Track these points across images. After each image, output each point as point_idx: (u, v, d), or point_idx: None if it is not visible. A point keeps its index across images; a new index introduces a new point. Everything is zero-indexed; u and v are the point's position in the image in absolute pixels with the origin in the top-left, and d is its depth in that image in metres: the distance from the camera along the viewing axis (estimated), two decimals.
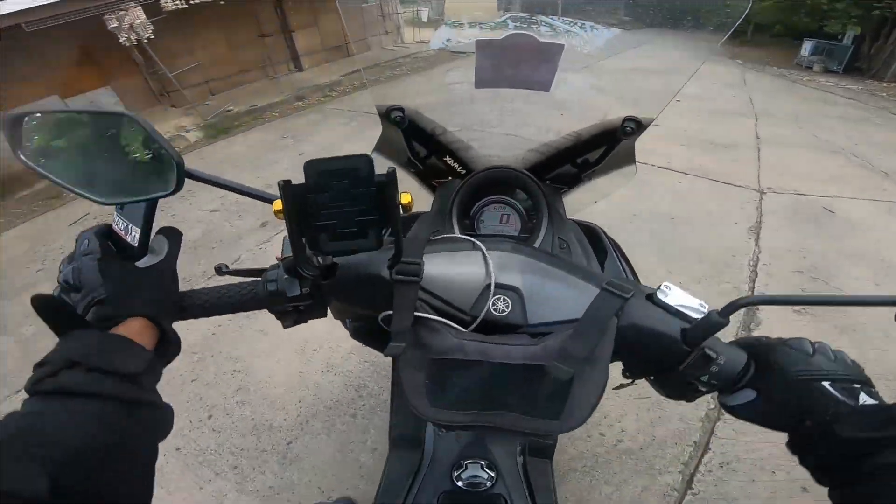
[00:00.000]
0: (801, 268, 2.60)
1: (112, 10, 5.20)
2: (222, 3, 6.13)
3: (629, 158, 0.75)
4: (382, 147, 0.79)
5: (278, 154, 4.40)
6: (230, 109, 6.12)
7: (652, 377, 0.52)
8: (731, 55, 11.61)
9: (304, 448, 1.71)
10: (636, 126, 0.68)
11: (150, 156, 0.41)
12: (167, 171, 0.40)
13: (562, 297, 0.49)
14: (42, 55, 5.72)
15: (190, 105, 6.17)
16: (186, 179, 0.42)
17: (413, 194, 0.44)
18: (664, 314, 0.46)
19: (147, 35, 5.57)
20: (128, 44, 5.54)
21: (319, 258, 0.47)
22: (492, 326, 0.48)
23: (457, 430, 0.55)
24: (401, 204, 0.40)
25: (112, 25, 5.22)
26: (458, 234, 0.66)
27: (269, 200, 0.48)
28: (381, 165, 0.41)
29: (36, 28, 4.87)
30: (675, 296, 0.46)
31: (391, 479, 0.99)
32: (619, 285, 0.46)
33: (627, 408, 1.77)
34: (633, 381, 0.55)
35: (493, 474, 0.72)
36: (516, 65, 0.66)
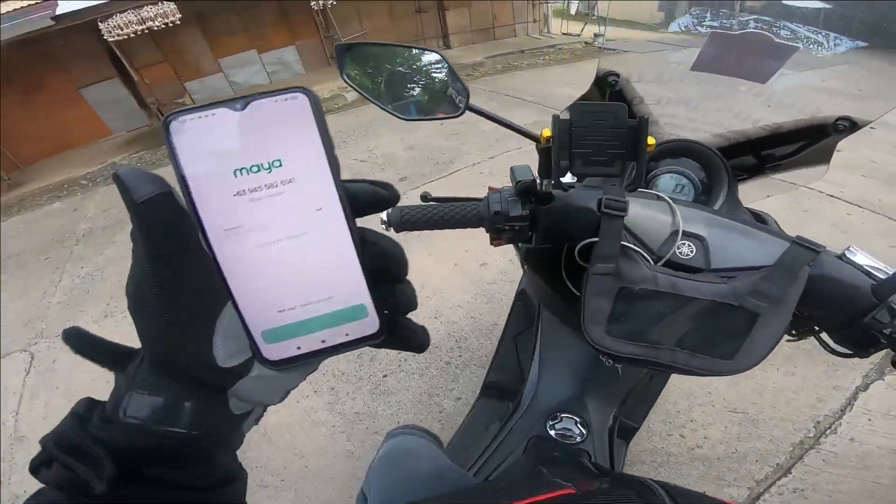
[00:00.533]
0: None
1: None
2: None
3: (825, 157, 0.76)
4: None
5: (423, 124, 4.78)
6: None
7: (824, 332, 0.54)
8: None
9: (397, 383, 1.88)
10: (850, 125, 0.69)
11: (444, 86, 0.58)
12: (454, 100, 0.57)
13: (747, 247, 0.52)
14: (248, 12, 6.85)
15: None
16: (468, 110, 0.57)
17: None
18: (853, 269, 0.49)
19: (332, 2, 6.29)
20: (316, 7, 6.34)
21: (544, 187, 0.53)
22: (676, 267, 0.52)
23: (624, 362, 0.62)
24: (648, 145, 0.47)
25: None
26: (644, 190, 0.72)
27: (535, 137, 0.58)
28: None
29: None
30: (862, 256, 0.50)
31: (475, 422, 1.07)
32: (809, 241, 0.50)
33: (718, 417, 1.72)
34: (798, 338, 0.57)
35: (584, 431, 0.76)
36: (743, 56, 0.71)
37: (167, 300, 0.22)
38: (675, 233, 0.52)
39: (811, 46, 0.67)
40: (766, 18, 0.72)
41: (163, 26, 5.92)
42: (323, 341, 0.25)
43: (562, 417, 0.77)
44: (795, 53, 0.67)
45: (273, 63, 7.57)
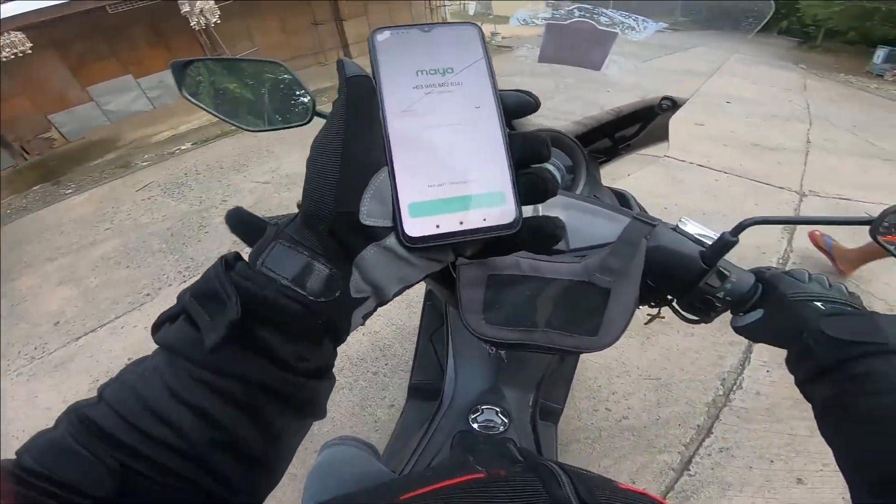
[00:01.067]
0: (829, 270, 2.57)
1: None
2: None
3: (664, 134, 0.84)
4: None
5: None
6: None
7: (675, 301, 0.59)
8: (795, 60, 10.93)
9: (328, 401, 1.87)
10: (672, 104, 0.77)
11: (289, 95, 0.57)
12: (302, 107, 0.56)
13: (598, 226, 0.56)
14: (121, 36, 6.24)
15: None
16: (316, 117, 0.56)
17: None
18: (685, 239, 0.54)
19: (214, 20, 5.97)
20: (197, 27, 5.94)
21: None
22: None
23: (505, 348, 0.63)
24: None
25: (185, 10, 5.64)
26: None
27: None
28: None
29: (118, 10, 5.36)
30: (693, 226, 0.56)
31: (406, 425, 1.06)
32: (647, 216, 0.56)
33: (636, 387, 1.84)
34: (659, 312, 0.62)
35: (506, 420, 0.77)
36: (575, 46, 0.77)
37: (344, 152, 0.26)
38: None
39: (626, 31, 0.76)
40: (587, 6, 0.79)
41: (12, 56, 5.20)
42: (461, 223, 0.26)
43: (482, 409, 0.79)
44: (616, 38, 0.74)
45: (154, 87, 6.97)
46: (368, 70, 0.28)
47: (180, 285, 2.61)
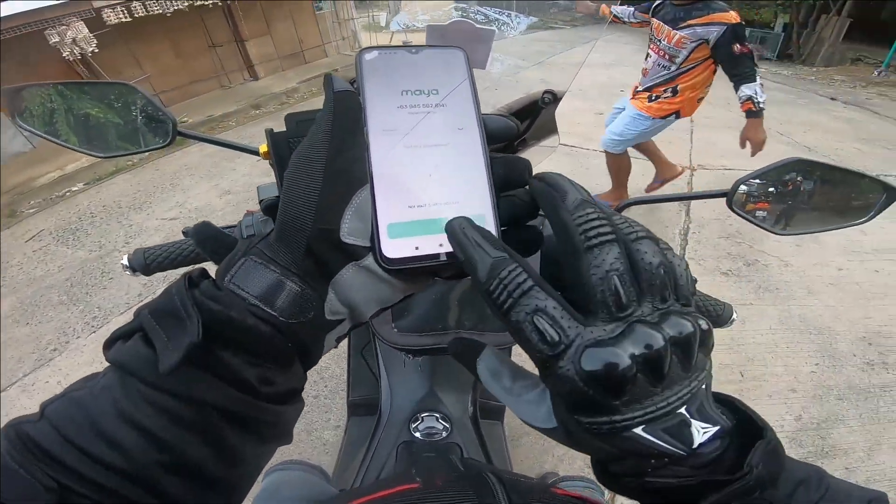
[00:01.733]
0: (727, 234, 2.89)
1: (52, 26, 5.07)
2: (168, 15, 6.06)
3: (553, 127, 0.86)
4: None
5: (235, 162, 4.40)
6: (185, 120, 6.01)
7: None
8: None
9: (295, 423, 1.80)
10: (553, 97, 0.79)
11: (145, 116, 0.53)
12: (161, 128, 0.53)
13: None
14: None
15: None
16: (179, 136, 0.53)
17: None
18: None
19: (91, 49, 5.44)
20: (71, 58, 5.38)
21: None
22: None
23: (421, 355, 0.62)
24: None
25: (54, 41, 5.09)
26: None
27: (255, 151, 0.57)
28: None
29: None
30: None
31: (351, 441, 1.04)
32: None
33: None
34: None
35: (447, 425, 0.77)
36: (460, 44, 0.78)
37: (326, 168, 0.25)
38: None
39: (502, 27, 0.80)
40: (463, 5, 0.82)
41: None
42: (441, 245, 0.26)
43: (422, 417, 0.78)
44: (494, 35, 0.76)
45: None
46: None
47: (89, 336, 2.42)
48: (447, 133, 0.27)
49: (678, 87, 2.50)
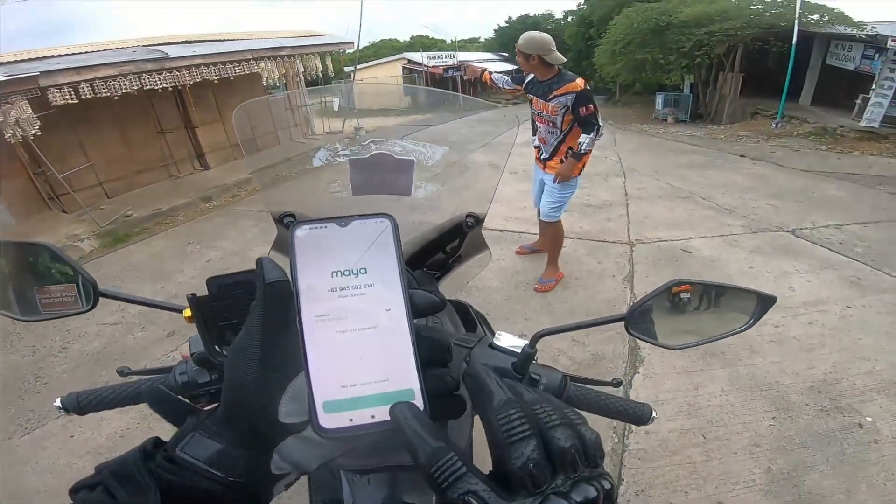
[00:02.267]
0: None
1: None
2: (116, 99, 5.84)
3: (482, 246, 0.90)
4: (279, 246, 0.89)
5: (183, 262, 4.27)
6: (129, 214, 5.75)
7: None
8: (605, 117, 13.18)
9: None
10: (475, 220, 0.84)
11: (65, 278, 0.51)
12: (82, 291, 0.51)
13: None
14: None
15: (83, 210, 5.69)
16: (102, 297, 0.54)
17: None
18: (500, 354, 0.60)
19: (34, 131, 5.03)
20: (13, 140, 4.98)
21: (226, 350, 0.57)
22: None
23: (368, 473, 0.63)
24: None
25: None
26: None
27: (179, 310, 0.59)
28: (283, 264, 0.57)
29: None
30: (506, 339, 0.61)
31: None
32: (465, 339, 0.61)
33: None
34: None
35: None
36: (382, 176, 0.83)
37: (262, 358, 0.28)
38: None
39: (420, 157, 0.85)
40: (381, 139, 0.86)
41: None
42: (372, 417, 0.28)
43: None
44: (414, 164, 0.82)
45: None
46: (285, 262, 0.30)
47: (22, 437, 2.26)
48: (376, 315, 0.29)
49: (572, 148, 2.85)
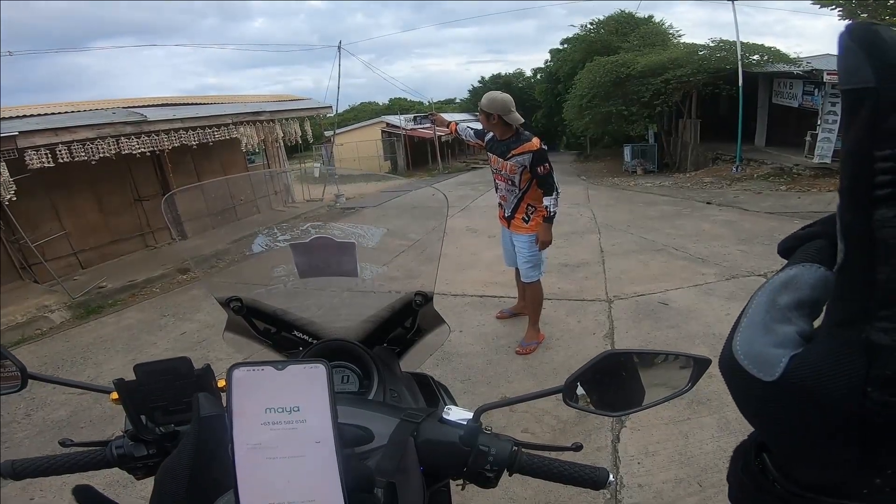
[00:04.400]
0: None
1: None
2: (93, 163, 5.72)
3: (438, 321, 0.91)
4: (232, 327, 0.91)
5: (156, 335, 4.15)
6: (103, 286, 5.61)
7: (465, 473, 0.63)
8: (578, 172, 13.66)
9: None
10: (424, 298, 0.85)
11: None
12: (9, 374, 0.55)
13: (376, 429, 0.59)
14: None
15: (55, 280, 5.51)
16: (31, 380, 0.58)
17: None
18: (448, 428, 0.61)
19: (9, 196, 4.83)
20: None
21: (161, 428, 0.60)
22: None
23: None
24: (218, 387, 0.58)
25: None
26: None
27: (107, 391, 0.61)
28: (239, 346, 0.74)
29: None
30: (456, 413, 0.62)
31: None
32: (413, 414, 0.61)
33: None
34: (463, 486, 0.66)
35: None
36: (326, 259, 0.85)
37: (190, 478, 0.32)
38: None
39: (359, 239, 0.85)
40: (319, 223, 0.88)
41: None
42: None
43: None
44: (354, 247, 0.83)
45: None
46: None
47: None
48: (305, 445, 0.31)
49: (532, 205, 2.92)
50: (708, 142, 12.27)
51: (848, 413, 0.17)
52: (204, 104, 8.28)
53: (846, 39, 0.18)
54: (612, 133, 15.03)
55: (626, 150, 13.78)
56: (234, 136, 7.70)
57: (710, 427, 2.39)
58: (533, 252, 3.02)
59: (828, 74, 8.60)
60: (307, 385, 0.33)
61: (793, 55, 10.77)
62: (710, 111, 12.99)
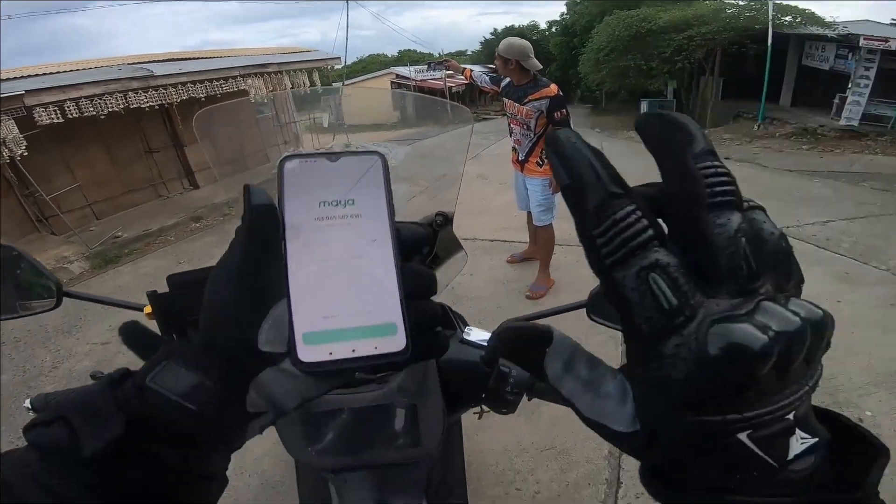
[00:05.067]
0: None
1: None
2: (102, 118, 5.80)
3: (456, 245, 0.88)
4: None
5: None
6: (118, 235, 5.69)
7: (483, 399, 0.63)
8: (591, 125, 13.34)
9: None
10: (444, 219, 0.82)
11: (30, 279, 0.52)
12: (46, 291, 0.52)
13: None
14: None
15: (72, 232, 5.64)
16: (65, 298, 0.56)
17: None
18: (469, 348, 0.61)
19: (20, 152, 4.99)
20: (0, 161, 4.98)
21: None
22: (356, 382, 0.58)
23: (340, 472, 0.63)
24: None
25: None
26: None
27: (139, 308, 0.60)
28: None
29: None
30: (476, 334, 0.62)
31: None
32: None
33: (537, 460, 1.93)
34: (481, 411, 0.67)
35: None
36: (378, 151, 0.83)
37: (242, 281, 0.26)
38: None
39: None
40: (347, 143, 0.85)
41: None
42: (353, 350, 0.27)
43: None
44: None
45: None
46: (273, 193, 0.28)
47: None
48: (361, 245, 0.28)
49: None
50: (730, 100, 11.90)
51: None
52: (210, 58, 8.22)
53: (548, 151, 0.22)
54: (629, 87, 14.63)
55: (643, 104, 13.41)
56: (241, 88, 7.64)
57: None
58: (546, 195, 3.03)
59: (864, 39, 8.50)
60: (363, 177, 0.30)
61: (829, 19, 10.33)
62: (734, 70, 12.44)
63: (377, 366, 0.28)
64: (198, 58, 8.19)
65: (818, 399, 0.20)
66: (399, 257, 0.29)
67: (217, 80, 7.21)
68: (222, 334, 0.27)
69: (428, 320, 0.29)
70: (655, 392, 0.19)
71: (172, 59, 7.78)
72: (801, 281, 0.21)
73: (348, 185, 0.29)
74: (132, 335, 0.32)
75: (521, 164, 3.09)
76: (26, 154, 5.09)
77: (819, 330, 0.18)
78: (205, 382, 0.26)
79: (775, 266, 0.19)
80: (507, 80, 2.94)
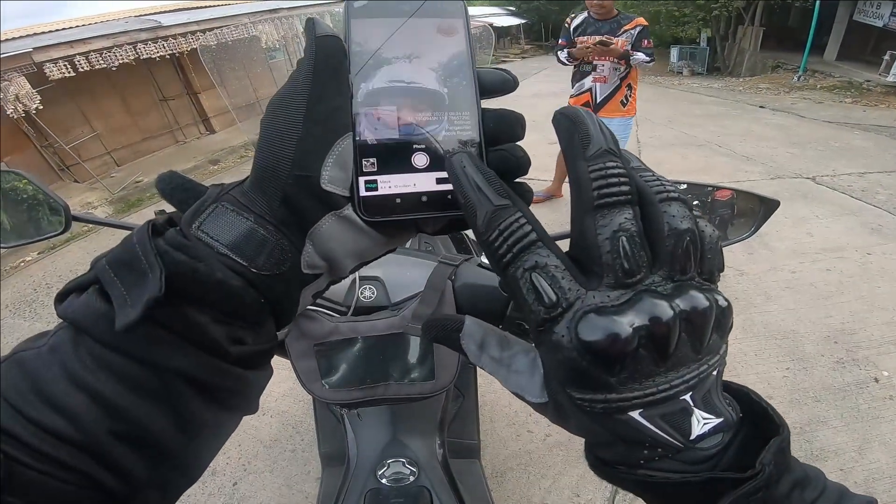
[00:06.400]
0: None
1: None
2: (114, 69, 5.80)
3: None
4: None
5: None
6: (140, 180, 5.79)
7: (501, 328, 0.62)
8: None
9: (250, 487, 1.75)
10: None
11: (38, 204, 0.52)
12: (55, 215, 0.52)
13: (413, 276, 0.58)
14: None
15: (94, 178, 5.76)
16: (74, 222, 0.54)
17: None
18: (487, 273, 0.58)
19: (35, 106, 5.06)
20: (15, 115, 5.04)
21: None
22: (366, 311, 0.58)
23: (355, 407, 0.62)
24: None
25: None
26: None
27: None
28: None
29: None
30: None
31: (325, 494, 1.02)
32: (450, 258, 0.58)
33: None
34: None
35: (414, 469, 0.77)
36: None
37: (306, 109, 0.23)
38: (353, 280, 0.58)
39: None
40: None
41: None
42: (424, 199, 0.25)
43: (388, 464, 0.77)
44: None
45: None
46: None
47: None
48: (438, 81, 0.25)
49: (631, 84, 3.03)
50: (768, 51, 11.19)
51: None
52: (218, 5, 8.04)
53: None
54: (659, 34, 13.78)
55: (674, 51, 12.71)
56: (252, 34, 7.47)
57: (735, 327, 2.15)
58: (625, 136, 3.14)
59: None
60: (442, 17, 0.26)
61: None
62: (775, 21, 11.57)
63: (446, 223, 0.26)
64: (205, 6, 8.02)
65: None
66: (479, 99, 0.26)
67: (227, 27, 7.09)
68: (279, 169, 0.23)
69: (511, 169, 0.25)
70: (548, 371, 0.23)
71: (179, 10, 7.67)
72: (720, 269, 0.22)
73: (426, 20, 0.26)
74: (170, 185, 0.26)
75: (596, 107, 3.01)
76: (41, 108, 5.17)
77: (700, 319, 0.20)
78: (258, 231, 0.22)
79: (671, 259, 0.20)
80: (581, 18, 2.94)
